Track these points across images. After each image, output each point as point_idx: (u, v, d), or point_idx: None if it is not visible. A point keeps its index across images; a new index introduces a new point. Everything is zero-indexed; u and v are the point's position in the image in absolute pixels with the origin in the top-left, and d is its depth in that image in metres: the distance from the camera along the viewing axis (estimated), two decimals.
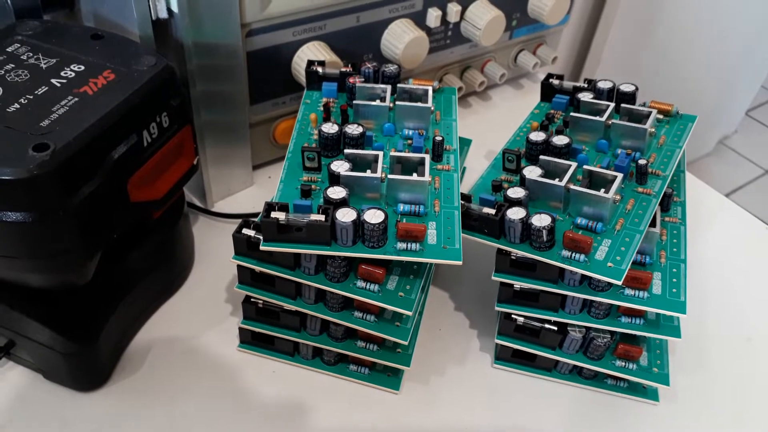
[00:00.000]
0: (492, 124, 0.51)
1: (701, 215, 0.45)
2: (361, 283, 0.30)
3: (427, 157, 0.32)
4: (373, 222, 0.29)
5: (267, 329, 0.33)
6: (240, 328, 0.34)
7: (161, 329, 0.36)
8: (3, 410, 0.32)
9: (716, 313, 0.39)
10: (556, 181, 0.31)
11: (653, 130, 0.35)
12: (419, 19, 0.44)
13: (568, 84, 0.40)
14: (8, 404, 0.32)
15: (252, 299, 0.33)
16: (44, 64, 0.30)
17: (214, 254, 0.40)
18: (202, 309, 0.37)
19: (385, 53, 0.44)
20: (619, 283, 0.29)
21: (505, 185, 0.34)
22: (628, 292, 0.31)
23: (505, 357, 0.35)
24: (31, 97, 0.29)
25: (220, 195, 0.43)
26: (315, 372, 0.35)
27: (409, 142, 0.34)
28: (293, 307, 0.32)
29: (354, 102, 0.35)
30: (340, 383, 0.34)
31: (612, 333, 0.33)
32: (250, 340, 0.35)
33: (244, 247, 0.31)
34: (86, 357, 0.32)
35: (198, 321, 0.36)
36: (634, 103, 0.37)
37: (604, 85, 0.38)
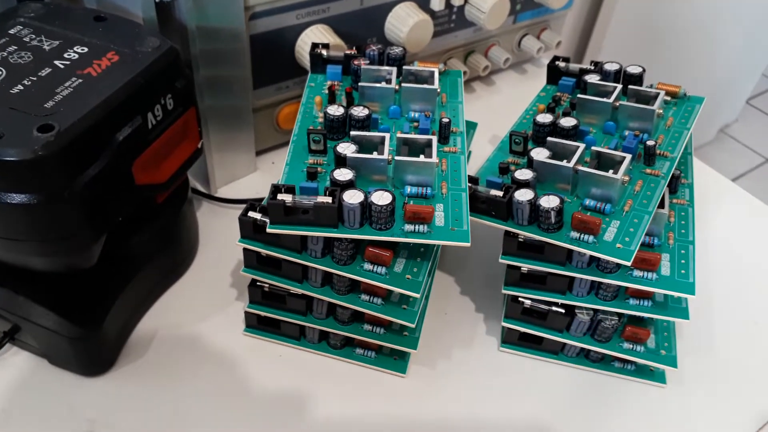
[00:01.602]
0: (496, 109, 0.51)
1: (707, 199, 0.45)
2: (368, 266, 0.30)
3: (434, 139, 0.31)
4: (380, 204, 0.28)
5: (273, 313, 0.33)
6: (246, 312, 0.34)
7: (166, 314, 0.36)
8: (8, 395, 0.32)
9: (723, 296, 0.39)
10: (564, 163, 0.31)
11: (661, 111, 0.35)
12: (423, 3, 0.44)
13: (574, 66, 0.40)
14: (13, 389, 0.32)
15: (258, 283, 0.33)
16: (47, 45, 0.30)
17: (218, 239, 0.40)
18: (207, 293, 0.37)
19: (389, 37, 0.43)
20: (629, 264, 0.29)
21: (512, 167, 0.34)
22: (637, 273, 0.31)
23: (511, 340, 0.35)
24: (35, 78, 0.28)
25: (223, 180, 0.43)
26: (321, 356, 0.34)
27: (416, 124, 0.34)
28: (300, 291, 0.32)
29: (359, 84, 0.35)
30: (346, 367, 0.34)
31: (620, 315, 0.32)
32: (256, 325, 0.35)
33: (250, 230, 0.31)
34: (91, 341, 0.32)
35: (203, 305, 0.36)
36: (641, 85, 0.37)
37: (610, 67, 0.38)
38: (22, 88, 0.28)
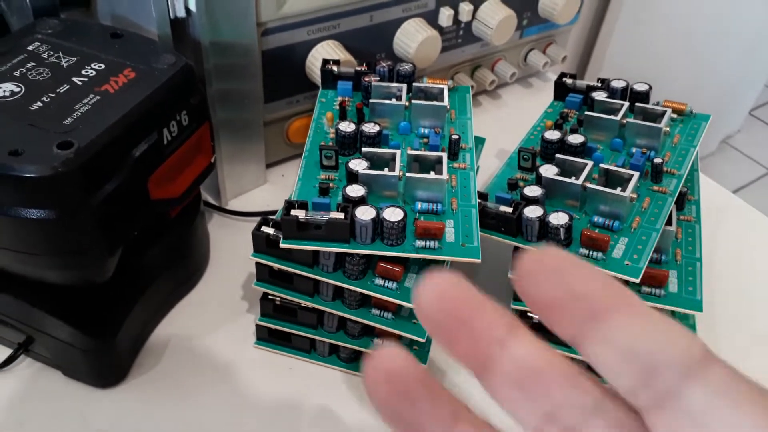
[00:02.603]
0: (502, 123, 0.51)
1: (711, 213, 0.45)
2: (379, 281, 0.31)
3: (445, 156, 0.32)
4: (392, 220, 0.29)
5: (284, 326, 0.34)
6: (257, 325, 0.35)
7: (178, 326, 0.36)
8: (22, 406, 0.32)
9: (728, 311, 0.39)
10: (572, 180, 0.32)
11: (668, 129, 0.35)
12: (431, 19, 0.45)
13: (581, 83, 0.40)
14: (27, 400, 0.32)
15: (269, 296, 0.33)
16: (65, 62, 0.31)
17: (228, 252, 0.40)
18: (219, 306, 0.37)
19: (398, 52, 0.44)
20: (637, 281, 0.29)
21: (521, 184, 0.34)
22: (645, 290, 0.31)
23: None
24: (54, 95, 0.29)
25: (233, 193, 0.43)
26: (331, 369, 0.35)
27: (425, 140, 0.35)
28: (311, 305, 0.32)
29: (370, 100, 0.35)
30: (356, 380, 0.34)
31: None
32: (266, 337, 0.35)
33: (263, 244, 0.31)
34: (105, 353, 0.32)
35: (214, 318, 0.37)
36: (647, 102, 0.37)
37: (617, 84, 0.38)
38: (41, 104, 0.28)
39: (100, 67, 0.31)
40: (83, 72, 0.30)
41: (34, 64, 0.30)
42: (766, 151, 1.45)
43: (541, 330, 0.32)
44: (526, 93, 0.55)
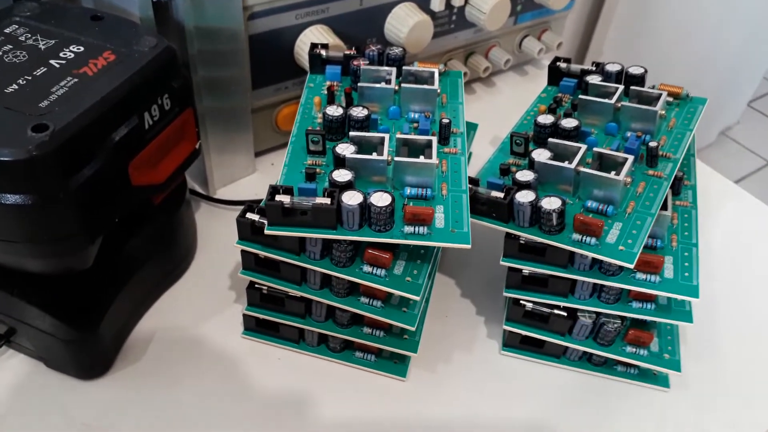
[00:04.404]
0: (497, 110, 0.50)
1: (709, 201, 0.44)
2: (367, 268, 0.30)
3: (434, 140, 0.31)
4: (379, 205, 0.28)
5: (272, 316, 0.33)
6: (244, 315, 0.34)
7: (164, 316, 0.35)
8: (4, 399, 0.31)
9: (726, 300, 0.39)
10: (566, 164, 0.31)
11: (663, 112, 0.34)
12: (423, 3, 0.44)
13: (575, 67, 0.39)
14: (9, 393, 0.32)
15: (256, 285, 0.32)
16: (43, 45, 0.30)
17: (216, 241, 0.39)
18: (205, 296, 0.36)
19: (389, 37, 0.43)
20: (632, 266, 0.28)
21: (513, 169, 0.33)
22: (640, 276, 0.30)
23: (513, 343, 0.35)
24: (30, 78, 0.28)
25: (222, 182, 0.42)
26: (320, 359, 0.34)
27: (415, 125, 0.34)
28: (298, 293, 0.31)
29: (359, 84, 0.34)
30: (346, 370, 0.34)
31: (623, 318, 0.32)
32: (254, 327, 0.34)
33: (248, 231, 0.30)
34: (88, 344, 0.31)
35: (201, 308, 0.36)
36: (643, 86, 0.37)
37: (612, 67, 0.37)
38: (16, 87, 0.27)
39: (78, 49, 0.30)
40: (61, 54, 0.29)
41: (10, 46, 0.30)
42: (765, 142, 1.44)
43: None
44: (520, 80, 0.55)
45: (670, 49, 1.01)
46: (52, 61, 0.29)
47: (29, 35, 0.30)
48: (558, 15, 0.54)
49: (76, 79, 0.28)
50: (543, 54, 0.53)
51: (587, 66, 0.39)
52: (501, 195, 0.31)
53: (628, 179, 0.30)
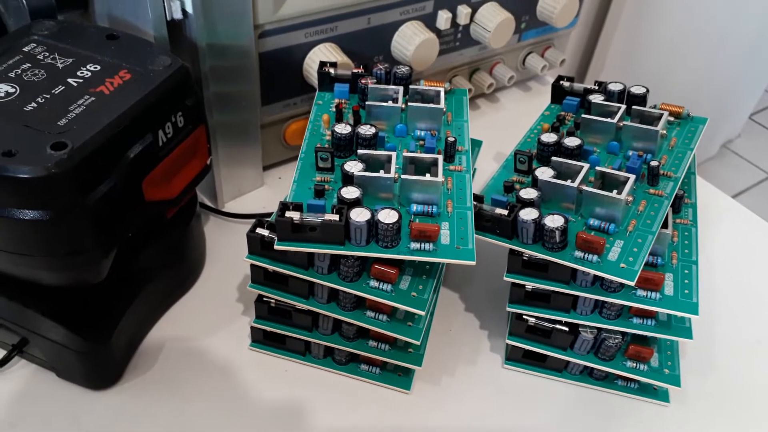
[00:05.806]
0: (500, 126, 0.51)
1: (709, 217, 0.45)
2: (374, 283, 0.30)
3: (440, 158, 0.32)
4: (387, 222, 0.29)
5: (279, 328, 0.34)
6: (252, 327, 0.34)
7: (173, 328, 0.36)
8: (16, 408, 0.32)
9: (726, 315, 0.39)
10: (568, 182, 0.32)
11: (664, 132, 0.35)
12: (429, 21, 0.45)
13: (578, 86, 0.40)
14: (21, 402, 0.32)
15: (264, 298, 0.33)
16: (60, 63, 0.31)
17: (225, 254, 0.40)
18: (214, 308, 0.37)
19: (396, 55, 0.44)
20: (632, 284, 0.29)
21: (517, 186, 0.34)
22: (641, 293, 0.31)
23: (515, 357, 0.35)
24: (48, 96, 0.29)
25: (230, 195, 0.43)
26: (326, 371, 0.35)
27: (421, 143, 0.35)
28: (306, 307, 0.32)
29: (366, 103, 0.35)
30: (351, 383, 0.34)
31: (623, 334, 0.33)
32: (261, 340, 0.35)
33: (257, 246, 0.31)
34: (99, 355, 0.32)
35: (210, 320, 0.36)
36: (644, 105, 0.37)
37: (614, 87, 0.38)
38: (35, 105, 0.28)
39: (95, 68, 0.31)
40: (78, 73, 0.30)
41: (29, 65, 0.30)
42: (766, 155, 1.44)
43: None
44: (524, 96, 0.55)
45: (671, 62, 1.01)
46: (69, 80, 0.30)
47: (47, 53, 0.31)
48: (561, 32, 0.54)
49: (93, 98, 0.29)
50: (546, 70, 0.54)
51: (590, 84, 0.40)
52: (505, 212, 0.31)
53: (630, 198, 0.31)
